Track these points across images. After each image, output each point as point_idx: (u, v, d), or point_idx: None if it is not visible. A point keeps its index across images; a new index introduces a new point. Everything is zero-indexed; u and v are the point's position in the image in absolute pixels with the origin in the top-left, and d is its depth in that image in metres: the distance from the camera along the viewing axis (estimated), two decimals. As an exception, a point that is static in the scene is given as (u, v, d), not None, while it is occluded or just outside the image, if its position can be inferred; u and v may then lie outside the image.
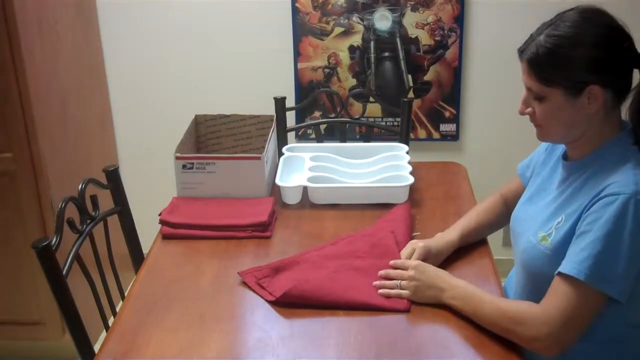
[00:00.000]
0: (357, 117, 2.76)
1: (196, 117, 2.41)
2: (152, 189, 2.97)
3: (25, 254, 2.53)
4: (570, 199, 1.56)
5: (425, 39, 2.94)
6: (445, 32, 2.93)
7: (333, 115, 2.76)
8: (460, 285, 1.61)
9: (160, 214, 2.02)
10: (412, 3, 2.89)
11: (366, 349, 1.49)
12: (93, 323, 1.87)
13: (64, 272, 1.71)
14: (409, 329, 1.56)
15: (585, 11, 1.50)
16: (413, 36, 2.94)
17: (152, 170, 3.17)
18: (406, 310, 1.61)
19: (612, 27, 1.49)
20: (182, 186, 2.13)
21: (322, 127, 2.98)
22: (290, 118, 2.91)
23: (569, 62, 1.47)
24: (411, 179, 2.12)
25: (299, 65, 3.01)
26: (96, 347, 1.59)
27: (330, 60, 3.00)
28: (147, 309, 1.65)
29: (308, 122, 2.96)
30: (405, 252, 1.78)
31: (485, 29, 2.94)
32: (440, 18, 2.91)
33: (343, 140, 2.70)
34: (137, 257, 2.14)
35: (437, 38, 2.94)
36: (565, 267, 1.45)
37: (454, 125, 3.08)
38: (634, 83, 1.52)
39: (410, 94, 3.02)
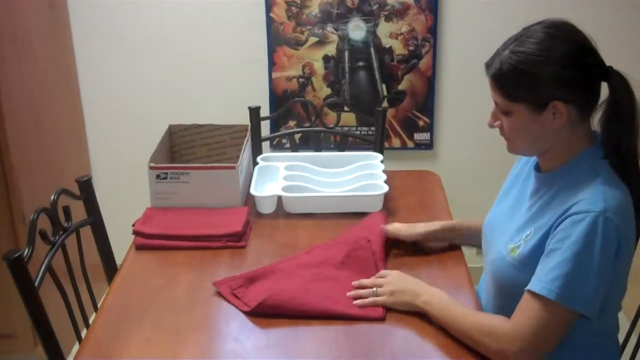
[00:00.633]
0: (331, 126, 2.77)
1: (170, 127, 2.40)
2: (125, 199, 2.95)
3: (-3, 266, 2.50)
4: (540, 212, 1.57)
5: (399, 48, 2.96)
6: (419, 42, 2.95)
7: (308, 124, 2.77)
8: (436, 292, 1.61)
9: (133, 225, 2.01)
10: (386, 13, 2.91)
11: (341, 358, 1.49)
12: (66, 335, 1.85)
13: (36, 284, 1.69)
14: (383, 338, 1.56)
15: (551, 26, 1.50)
16: (387, 46, 2.96)
17: (125, 180, 3.15)
18: (381, 319, 1.61)
19: (576, 43, 1.49)
20: (155, 196, 2.12)
21: (297, 136, 2.98)
22: (265, 128, 2.91)
23: (532, 79, 1.47)
24: (386, 188, 2.13)
25: (274, 75, 3.01)
26: (69, 360, 1.58)
27: (305, 70, 3.00)
28: (120, 320, 1.63)
29: (283, 131, 2.96)
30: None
31: (459, 39, 2.96)
32: (414, 28, 2.93)
33: (318, 150, 2.71)
34: (110, 268, 2.12)
35: (410, 48, 2.96)
36: (536, 286, 1.45)
37: (428, 134, 3.10)
38: (604, 94, 1.53)
39: (385, 103, 3.03)
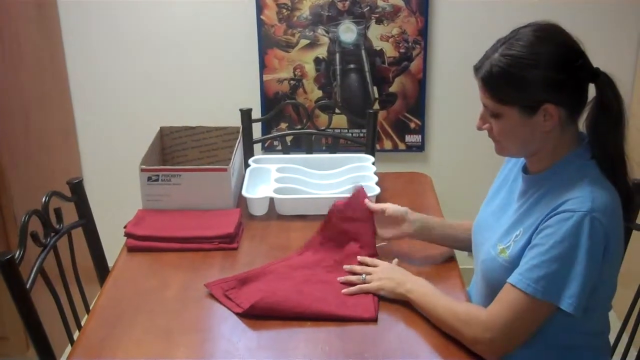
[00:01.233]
0: (323, 128, 2.77)
1: (161, 129, 2.40)
2: (117, 201, 2.95)
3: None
4: (528, 213, 1.58)
5: (390, 51, 2.97)
6: (410, 44, 2.96)
7: (299, 126, 2.77)
8: (421, 282, 1.67)
9: (125, 227, 2.01)
10: (377, 16, 2.92)
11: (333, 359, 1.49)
12: (58, 337, 1.85)
13: (28, 286, 1.68)
14: (376, 339, 1.57)
15: (540, 29, 1.50)
16: (378, 48, 2.97)
17: (117, 182, 3.14)
18: (373, 320, 1.62)
19: (565, 46, 1.50)
20: (147, 198, 2.12)
21: (289, 138, 2.99)
22: (257, 130, 2.91)
23: (523, 82, 1.47)
24: (377, 190, 2.13)
25: (265, 77, 3.02)
26: (61, 362, 1.58)
27: (296, 72, 3.01)
28: (112, 322, 1.63)
29: (274, 133, 2.97)
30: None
31: (449, 42, 2.97)
32: (404, 30, 2.94)
33: (309, 152, 2.71)
34: (102, 270, 2.12)
35: (401, 50, 2.97)
36: (519, 282, 1.46)
37: (420, 136, 3.10)
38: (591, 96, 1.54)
39: (376, 106, 3.04)
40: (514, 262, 1.54)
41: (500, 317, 1.48)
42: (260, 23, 2.94)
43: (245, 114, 2.65)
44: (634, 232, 1.90)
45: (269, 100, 3.04)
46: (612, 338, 1.82)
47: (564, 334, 1.53)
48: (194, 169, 2.11)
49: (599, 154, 1.53)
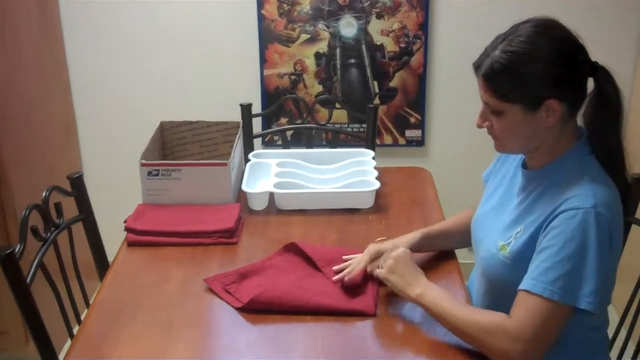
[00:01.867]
0: (323, 123, 2.77)
1: (162, 123, 2.40)
2: (117, 196, 2.94)
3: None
4: (529, 209, 1.57)
5: (390, 45, 2.97)
6: (410, 39, 2.95)
7: (299, 121, 2.77)
8: (433, 287, 1.58)
9: (125, 221, 2.01)
10: (377, 10, 2.91)
11: (333, 354, 1.50)
12: (57, 332, 1.85)
13: (28, 281, 1.69)
14: (375, 334, 1.57)
15: (540, 25, 1.50)
16: (378, 43, 2.97)
17: (117, 177, 3.14)
18: (372, 315, 1.62)
19: (566, 41, 1.49)
20: (147, 193, 2.12)
21: (289, 133, 2.98)
22: (257, 125, 2.91)
23: (525, 78, 1.47)
24: (377, 184, 2.13)
25: (265, 72, 3.02)
26: (61, 357, 1.58)
27: (296, 67, 3.00)
28: (112, 316, 1.64)
29: (274, 128, 2.96)
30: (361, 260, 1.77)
31: (450, 36, 2.97)
32: (405, 25, 2.93)
33: (309, 147, 2.71)
34: (102, 265, 2.12)
35: (402, 45, 2.96)
36: (535, 287, 1.43)
37: (420, 131, 3.10)
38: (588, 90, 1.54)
39: (376, 100, 3.04)
40: (514, 259, 1.54)
41: (528, 325, 1.42)
42: (261, 18, 2.93)
43: (246, 109, 2.65)
44: (633, 226, 1.90)
45: (270, 95, 3.04)
46: (610, 332, 1.82)
47: (568, 331, 1.52)
48: (194, 163, 2.11)
49: (598, 149, 1.53)
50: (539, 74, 1.46)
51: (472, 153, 3.10)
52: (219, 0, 2.94)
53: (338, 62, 2.99)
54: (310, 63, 3.00)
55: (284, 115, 3.06)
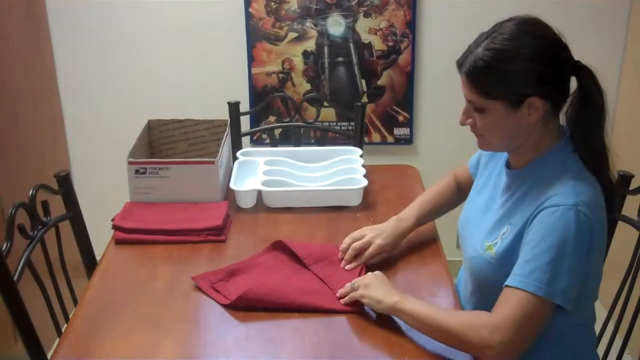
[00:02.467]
0: (311, 121, 2.77)
1: (149, 122, 2.39)
2: (105, 194, 2.94)
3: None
4: (514, 208, 1.59)
5: (378, 44, 2.97)
6: (398, 37, 2.96)
7: (287, 119, 2.77)
8: (408, 296, 1.56)
9: (113, 219, 2.00)
10: (365, 9, 2.92)
11: (320, 350, 1.50)
12: (46, 331, 1.85)
13: (15, 279, 1.68)
14: (363, 330, 1.57)
15: (523, 23, 1.51)
16: (366, 41, 2.97)
17: (104, 175, 3.14)
18: (360, 311, 1.62)
19: (549, 39, 1.50)
20: (135, 191, 2.12)
21: (277, 131, 2.98)
22: (245, 123, 2.91)
23: (507, 75, 1.48)
24: (365, 182, 2.14)
25: (253, 71, 3.02)
26: (50, 355, 1.57)
27: (284, 66, 3.01)
28: (100, 313, 1.63)
29: (262, 126, 2.96)
30: (355, 234, 1.81)
31: (437, 34, 2.98)
32: (392, 24, 2.94)
33: (298, 145, 2.71)
34: (90, 263, 2.11)
35: (389, 43, 2.97)
36: (514, 280, 1.45)
37: (408, 129, 3.11)
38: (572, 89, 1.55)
39: (364, 99, 3.04)
40: (501, 259, 1.55)
41: (509, 317, 1.43)
42: (249, 16, 2.93)
43: (234, 107, 2.64)
44: (620, 223, 1.92)
45: (258, 94, 3.04)
46: (598, 327, 1.84)
47: (551, 325, 1.54)
48: (181, 161, 2.10)
49: (581, 147, 1.54)
50: (522, 71, 1.47)
51: (459, 151, 3.09)
52: (207, -2, 2.94)
53: (326, 60, 3.00)
54: (298, 61, 3.00)
55: (272, 113, 3.06)
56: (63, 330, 1.66)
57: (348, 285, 1.65)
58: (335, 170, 2.26)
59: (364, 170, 2.21)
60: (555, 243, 1.43)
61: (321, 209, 2.12)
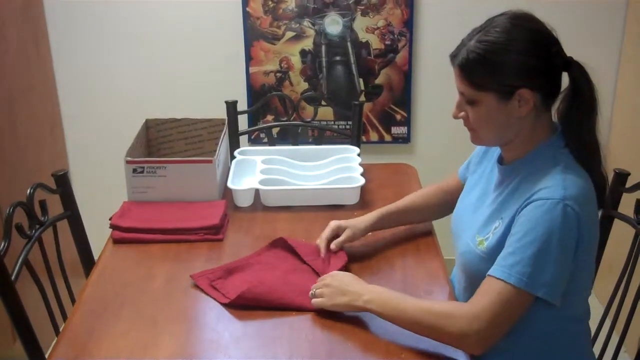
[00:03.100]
0: (309, 120, 2.77)
1: (147, 121, 2.39)
2: (102, 193, 2.94)
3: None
4: (505, 203, 1.59)
5: (375, 43, 2.98)
6: (395, 36, 2.96)
7: (285, 118, 2.78)
8: (378, 289, 1.56)
9: (110, 218, 2.01)
10: (362, 8, 2.92)
11: (317, 348, 1.50)
12: (44, 330, 1.85)
13: (13, 278, 1.68)
14: (360, 327, 1.57)
15: (515, 17, 1.53)
16: (364, 40, 2.97)
17: (102, 174, 3.14)
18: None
19: (540, 33, 1.52)
20: (133, 190, 2.12)
21: (275, 130, 2.99)
22: (243, 122, 2.91)
23: (499, 67, 1.49)
24: (362, 180, 2.14)
25: (251, 70, 3.02)
26: (48, 355, 1.57)
27: (282, 65, 3.01)
28: (98, 312, 1.64)
29: (260, 125, 2.97)
30: (324, 234, 1.84)
31: (435, 33, 2.98)
32: (390, 22, 2.94)
33: (295, 144, 2.72)
34: (88, 263, 2.11)
35: (387, 42, 2.97)
36: (496, 270, 1.47)
37: (405, 128, 3.11)
38: (564, 86, 1.56)
39: (362, 98, 3.05)
40: (491, 253, 1.56)
41: (485, 306, 1.45)
42: (246, 15, 2.94)
43: (231, 106, 2.65)
44: (616, 220, 1.92)
45: (255, 93, 3.04)
46: (595, 324, 1.85)
47: (542, 321, 1.55)
48: (179, 160, 2.11)
49: (572, 143, 1.55)
50: (513, 63, 1.49)
51: (457, 150, 3.09)
52: (204, -3, 2.94)
53: (323, 59, 3.00)
54: (296, 60, 3.00)
55: (269, 112, 3.06)
56: (61, 329, 1.66)
57: (311, 292, 1.63)
58: (332, 169, 2.27)
59: (361, 169, 2.21)
60: (539, 236, 1.44)
61: (319, 207, 2.12)
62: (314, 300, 1.61)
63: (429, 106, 3.10)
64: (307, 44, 2.98)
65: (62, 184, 2.04)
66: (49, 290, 1.89)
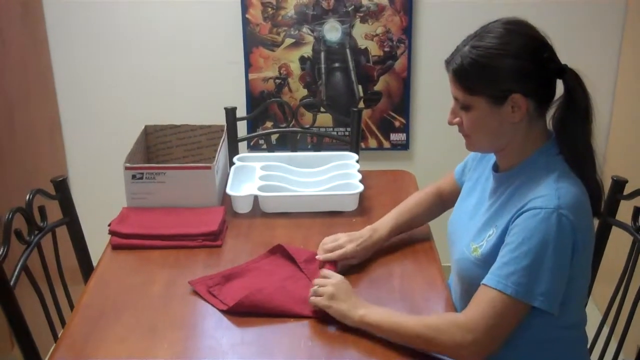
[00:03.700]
0: (307, 126, 2.78)
1: (146, 127, 2.40)
2: (102, 199, 2.94)
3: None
4: (499, 211, 1.60)
5: (374, 50, 2.98)
6: (394, 43, 2.97)
7: (284, 125, 2.78)
8: (374, 307, 1.57)
9: (109, 225, 2.01)
10: (362, 15, 2.93)
11: (316, 355, 1.50)
12: (42, 336, 1.85)
13: (12, 284, 1.68)
14: (359, 334, 1.57)
15: (509, 23, 1.54)
16: (363, 47, 2.98)
17: (101, 180, 3.14)
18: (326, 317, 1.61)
19: (533, 38, 1.53)
20: (132, 196, 2.12)
21: (274, 137, 3.00)
22: (242, 128, 2.92)
23: (492, 71, 1.50)
24: (361, 187, 2.14)
25: (250, 76, 3.02)
26: (45, 361, 1.58)
27: (281, 71, 3.02)
28: (96, 318, 1.64)
29: (259, 132, 2.97)
30: (328, 238, 1.84)
31: (433, 40, 2.99)
32: (389, 29, 2.95)
33: (294, 150, 2.72)
34: (87, 269, 2.12)
35: (386, 49, 2.98)
36: (491, 280, 1.47)
37: (404, 134, 3.12)
38: (559, 93, 1.56)
39: (361, 104, 3.05)
40: (486, 260, 1.56)
41: (480, 317, 1.45)
42: (246, 22, 2.94)
43: (230, 113, 2.65)
44: (614, 228, 1.92)
45: (255, 99, 3.04)
46: (593, 330, 1.85)
47: (539, 328, 1.55)
48: (178, 167, 2.11)
49: (566, 150, 1.55)
50: (505, 68, 1.50)
51: (456, 157, 3.09)
52: (204, 4, 2.95)
53: (322, 66, 3.01)
54: (295, 67, 3.01)
55: (268, 119, 3.07)
56: (59, 335, 1.66)
57: (311, 290, 1.64)
58: (331, 176, 2.27)
59: (360, 176, 2.22)
60: (534, 246, 1.44)
61: (317, 214, 2.12)
62: (312, 298, 1.61)
63: (428, 113, 3.10)
64: (306, 50, 2.98)
65: (61, 190, 2.04)
66: (48, 296, 1.89)
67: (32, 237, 1.86)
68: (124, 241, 1.96)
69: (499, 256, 1.49)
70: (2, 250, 1.67)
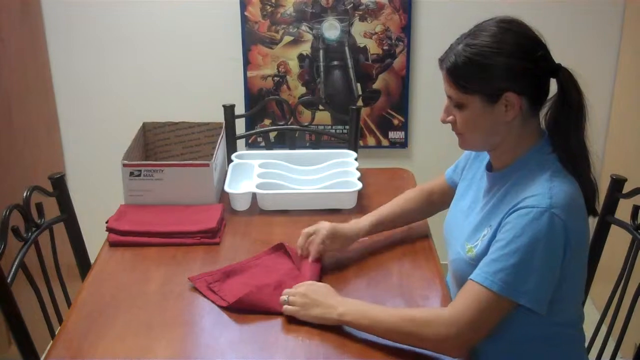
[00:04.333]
0: (306, 124, 2.77)
1: (144, 124, 2.39)
2: (99, 196, 2.94)
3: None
4: (493, 210, 1.59)
5: (373, 48, 2.98)
6: (393, 41, 2.97)
7: (283, 123, 2.78)
8: (352, 301, 1.57)
9: (107, 222, 2.00)
10: (360, 13, 2.93)
11: (314, 352, 1.50)
12: (40, 334, 1.84)
13: (9, 281, 1.68)
14: (356, 331, 1.57)
15: (503, 21, 1.54)
16: (361, 45, 2.98)
17: (99, 177, 3.14)
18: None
19: (527, 37, 1.53)
20: (129, 193, 2.12)
21: (272, 134, 2.99)
22: (240, 126, 2.91)
23: (485, 70, 1.50)
24: (359, 185, 2.14)
25: (249, 74, 3.02)
26: (43, 358, 1.57)
27: (280, 69, 3.01)
28: (94, 316, 1.63)
29: (258, 129, 2.97)
30: (308, 229, 1.83)
31: (432, 39, 2.99)
32: (388, 28, 2.95)
33: (292, 148, 2.72)
34: (84, 266, 2.11)
35: (385, 47, 2.98)
36: (478, 276, 1.47)
37: (403, 132, 3.12)
38: (553, 92, 1.56)
39: (359, 102, 3.05)
40: (479, 260, 1.55)
41: (465, 311, 1.45)
42: (244, 19, 2.94)
43: (229, 110, 2.65)
44: (613, 226, 1.92)
45: (253, 97, 3.04)
46: (591, 329, 1.84)
47: (532, 327, 1.55)
48: (176, 164, 2.11)
49: (559, 149, 1.55)
50: (499, 66, 1.49)
51: (454, 155, 3.09)
52: (203, 1, 2.94)
53: (321, 64, 3.00)
54: (294, 65, 3.00)
55: (267, 116, 3.06)
56: (57, 332, 1.66)
57: (283, 298, 1.62)
58: (329, 174, 2.27)
59: (358, 174, 2.21)
60: (524, 245, 1.44)
61: (316, 211, 2.12)
62: (285, 307, 1.60)
63: (426, 111, 3.10)
64: (305, 48, 2.98)
65: (59, 187, 2.03)
66: (45, 293, 1.88)
67: (30, 234, 1.85)
68: (121, 238, 1.96)
69: (489, 252, 1.49)
70: (-1, 247, 1.67)
